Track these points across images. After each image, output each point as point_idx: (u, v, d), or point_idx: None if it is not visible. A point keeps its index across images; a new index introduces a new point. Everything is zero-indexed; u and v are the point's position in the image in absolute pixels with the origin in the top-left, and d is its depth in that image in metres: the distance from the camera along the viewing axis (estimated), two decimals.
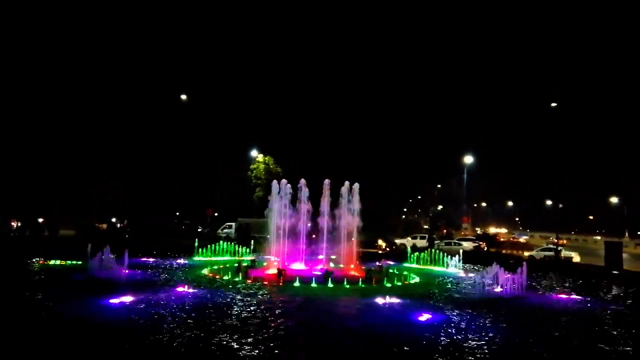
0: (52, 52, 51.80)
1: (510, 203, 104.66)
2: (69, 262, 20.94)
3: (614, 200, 79.27)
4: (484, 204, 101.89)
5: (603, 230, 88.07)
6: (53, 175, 45.92)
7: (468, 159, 63.75)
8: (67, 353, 8.39)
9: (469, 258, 29.01)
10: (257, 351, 8.60)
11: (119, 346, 8.70)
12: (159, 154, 53.09)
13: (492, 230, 76.72)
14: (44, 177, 45.35)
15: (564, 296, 16.66)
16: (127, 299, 12.76)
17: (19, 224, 40.51)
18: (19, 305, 11.95)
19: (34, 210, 42.85)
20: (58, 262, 20.95)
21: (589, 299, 16.35)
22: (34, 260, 21.09)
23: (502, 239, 57.53)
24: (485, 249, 44.85)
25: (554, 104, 43.20)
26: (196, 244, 26.92)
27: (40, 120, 47.60)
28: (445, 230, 73.11)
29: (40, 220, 42.60)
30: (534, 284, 19.45)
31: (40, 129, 47.14)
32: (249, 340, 9.23)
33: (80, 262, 20.45)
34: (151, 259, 23.71)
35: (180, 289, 14.78)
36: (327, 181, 22.64)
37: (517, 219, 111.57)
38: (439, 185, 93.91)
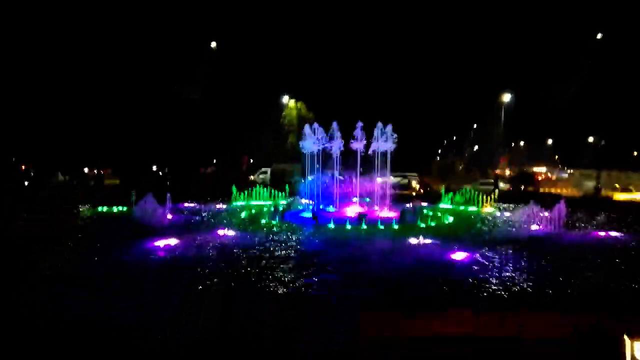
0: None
1: (550, 141, 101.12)
2: (115, 208, 22.10)
3: None
4: (522, 143, 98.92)
5: None
6: (96, 127, 47.36)
7: (506, 97, 61.42)
8: (120, 290, 9.07)
9: (505, 198, 28.74)
10: (298, 283, 9.11)
11: (165, 284, 9.33)
12: (193, 104, 53.57)
13: (535, 169, 74.78)
14: (88, 129, 46.89)
15: (602, 233, 16.45)
16: (172, 241, 13.50)
17: (67, 176, 42.53)
18: (74, 250, 12.86)
19: (80, 162, 44.70)
20: (105, 208, 22.12)
21: (626, 235, 16.08)
22: (83, 207, 22.29)
23: (540, 178, 56.23)
24: (522, 188, 44.19)
25: (599, 35, 40.52)
26: (234, 189, 27.71)
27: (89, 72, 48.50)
28: (479, 172, 71.95)
29: (86, 170, 44.55)
30: (572, 221, 19.19)
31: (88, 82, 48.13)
32: (289, 277, 9.73)
33: (125, 209, 21.58)
34: (192, 204, 24.65)
35: (220, 232, 15.45)
36: (359, 123, 22.45)
37: (556, 157, 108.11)
38: (475, 125, 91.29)
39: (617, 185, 41.73)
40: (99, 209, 22.09)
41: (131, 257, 11.60)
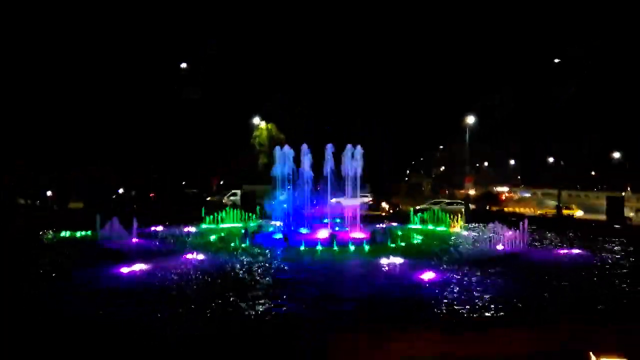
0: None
1: (512, 162, 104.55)
2: (78, 232, 21.39)
3: (616, 155, 79.15)
4: (486, 164, 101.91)
5: (604, 185, 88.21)
6: (62, 150, 46.08)
7: (470, 120, 63.39)
8: (81, 322, 8.75)
9: (472, 218, 29.38)
10: (263, 308, 8.99)
11: (130, 311, 9.06)
12: (162, 124, 52.95)
13: (498, 189, 77.01)
14: (52, 152, 45.56)
15: (564, 251, 17.03)
16: (138, 267, 13.13)
17: (28, 200, 41.00)
18: (32, 276, 12.34)
19: (43, 185, 43.19)
20: (68, 233, 21.39)
21: (589, 252, 16.69)
22: (44, 232, 21.50)
23: (504, 197, 57.94)
24: (487, 207, 45.35)
25: (557, 60, 42.64)
26: (203, 212, 27.31)
27: (46, 96, 47.30)
28: (447, 191, 73.50)
29: (49, 193, 43.07)
30: (535, 240, 19.79)
31: (46, 104, 46.94)
32: (258, 303, 9.61)
33: (89, 233, 20.92)
34: (160, 228, 24.12)
35: (189, 255, 15.14)
36: (329, 145, 22.71)
37: (518, 176, 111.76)
38: (441, 147, 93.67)
39: (559, 204, 43.72)
40: (62, 233, 21.33)
41: (93, 284, 11.19)
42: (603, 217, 34.23)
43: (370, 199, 42.41)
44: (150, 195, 50.35)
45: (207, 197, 50.73)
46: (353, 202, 23.83)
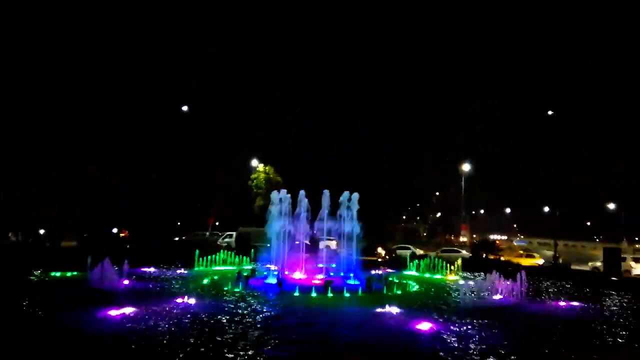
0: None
1: (508, 210, 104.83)
2: (69, 273, 20.99)
3: (612, 206, 79.56)
4: (482, 211, 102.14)
5: (600, 236, 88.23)
6: (62, 150, 45.77)
7: (465, 166, 64.04)
8: None
9: (468, 266, 29.11)
10: (260, 358, 8.71)
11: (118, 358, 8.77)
12: (158, 163, 53.16)
13: (494, 237, 76.84)
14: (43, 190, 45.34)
15: (563, 303, 16.77)
16: (127, 310, 12.80)
17: (20, 236, 40.48)
18: (19, 317, 11.99)
19: (35, 222, 42.75)
20: (59, 273, 20.99)
21: (587, 305, 16.45)
22: (35, 271, 21.09)
23: (502, 246, 57.59)
24: (484, 256, 44.94)
25: (550, 112, 43.64)
26: (197, 254, 26.96)
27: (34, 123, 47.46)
28: (443, 238, 73.21)
29: (42, 231, 42.57)
30: (533, 291, 19.54)
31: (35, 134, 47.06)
32: (249, 352, 9.32)
33: (80, 273, 20.52)
34: (152, 269, 23.75)
35: (180, 300, 14.81)
36: (326, 191, 22.82)
37: (514, 225, 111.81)
38: (437, 193, 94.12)
39: (521, 252, 43.72)
40: (52, 273, 20.93)
41: (78, 328, 10.85)
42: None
43: (335, 242, 41.14)
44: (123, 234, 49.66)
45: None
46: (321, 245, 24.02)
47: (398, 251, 43.03)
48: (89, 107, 49.97)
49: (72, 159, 46.28)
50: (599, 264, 36.36)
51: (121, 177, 49.10)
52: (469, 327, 12.02)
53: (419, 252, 44.11)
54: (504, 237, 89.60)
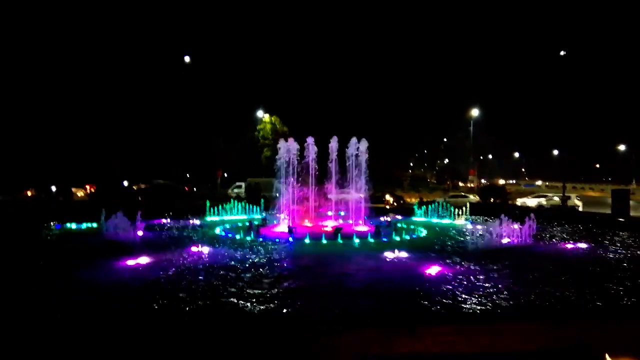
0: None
1: (516, 154, 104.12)
2: (84, 225, 21.46)
3: (622, 148, 78.65)
4: (490, 156, 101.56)
5: (610, 178, 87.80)
6: (67, 141, 46.29)
7: (474, 112, 63.09)
8: (89, 316, 8.76)
9: (476, 210, 29.30)
10: (271, 305, 8.98)
11: (136, 306, 9.06)
12: (166, 116, 52.99)
13: (501, 181, 76.84)
14: (58, 143, 45.73)
15: (570, 245, 16.94)
16: (143, 260, 13.15)
17: (34, 192, 41.18)
18: (39, 269, 12.37)
19: (48, 178, 43.35)
20: (73, 225, 21.46)
21: (594, 246, 16.59)
22: (50, 224, 21.56)
23: (509, 191, 57.74)
24: (492, 200, 45.20)
25: (562, 52, 42.25)
26: (208, 204, 27.35)
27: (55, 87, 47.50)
28: (451, 183, 73.33)
29: (54, 188, 43.20)
30: (540, 234, 19.68)
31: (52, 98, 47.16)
32: (261, 298, 9.60)
33: (94, 225, 20.98)
34: (164, 220, 24.18)
35: (194, 248, 15.15)
36: (334, 138, 22.65)
37: (522, 169, 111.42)
38: (445, 139, 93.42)
39: (565, 197, 43.87)
40: (67, 225, 21.40)
41: (99, 278, 11.19)
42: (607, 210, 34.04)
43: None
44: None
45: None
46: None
47: (453, 199, 41.77)
48: (94, 96, 49.49)
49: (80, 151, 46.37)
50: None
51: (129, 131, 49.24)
52: (477, 270, 12.22)
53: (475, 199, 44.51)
54: (512, 182, 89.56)
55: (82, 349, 6.61)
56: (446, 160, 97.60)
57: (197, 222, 24.38)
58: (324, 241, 17.41)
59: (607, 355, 5.06)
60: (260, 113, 57.84)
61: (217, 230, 20.87)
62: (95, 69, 50.96)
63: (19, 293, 9.80)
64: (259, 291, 9.94)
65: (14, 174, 41.88)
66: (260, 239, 17.92)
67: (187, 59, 50.23)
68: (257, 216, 25.66)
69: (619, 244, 17.22)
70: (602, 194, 61.12)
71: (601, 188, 63.67)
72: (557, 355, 6.34)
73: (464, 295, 9.76)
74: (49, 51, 48.72)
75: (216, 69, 55.88)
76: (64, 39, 49.62)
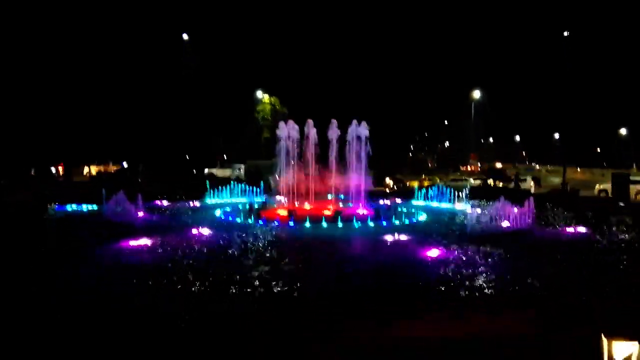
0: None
1: (517, 138, 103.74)
2: (85, 206, 21.45)
3: (623, 132, 78.36)
4: (491, 140, 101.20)
5: (610, 162, 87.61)
6: (66, 122, 46.11)
7: (475, 94, 62.64)
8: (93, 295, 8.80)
9: (476, 194, 29.24)
10: (271, 285, 9.02)
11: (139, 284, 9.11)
12: (165, 99, 52.64)
13: (500, 165, 76.81)
14: (56, 125, 45.58)
15: (570, 229, 16.95)
16: (144, 241, 13.17)
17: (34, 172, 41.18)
18: (42, 250, 12.40)
19: (48, 159, 43.35)
20: (74, 206, 21.45)
21: (594, 230, 16.58)
22: (51, 204, 21.54)
23: (511, 175, 57.69)
24: (492, 184, 45.24)
25: (566, 33, 41.74)
26: (208, 186, 27.31)
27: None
28: (452, 167, 73.23)
29: (53, 169, 43.19)
30: (540, 217, 19.63)
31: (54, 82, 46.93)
32: (263, 277, 9.65)
33: (95, 207, 20.98)
34: (165, 202, 24.17)
35: (194, 231, 15.15)
36: (334, 120, 22.50)
37: (523, 153, 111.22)
38: (445, 122, 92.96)
39: (564, 181, 44.43)
40: (67, 207, 21.40)
41: (100, 258, 11.24)
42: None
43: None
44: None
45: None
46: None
47: (454, 183, 41.76)
48: (91, 83, 49.05)
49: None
50: (604, 186, 37.99)
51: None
52: (476, 253, 12.25)
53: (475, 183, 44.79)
54: (510, 166, 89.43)
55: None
56: (447, 144, 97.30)
57: (197, 204, 24.38)
58: (324, 224, 17.43)
59: (603, 335, 5.08)
60: (259, 93, 57.41)
61: (217, 213, 20.87)
62: (96, 52, 50.48)
63: (23, 277, 9.86)
64: (258, 273, 9.97)
65: (15, 156, 41.83)
66: (260, 222, 17.93)
67: (185, 36, 49.74)
68: (257, 199, 25.65)
69: (616, 229, 17.22)
70: (587, 177, 61.60)
71: (602, 173, 63.56)
72: (554, 338, 6.38)
73: (461, 279, 9.79)
74: (49, 46, 48.20)
75: (215, 49, 55.16)
76: (62, 35, 49.00)
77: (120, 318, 7.45)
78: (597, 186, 39.30)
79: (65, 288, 8.94)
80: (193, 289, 9.03)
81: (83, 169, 49.75)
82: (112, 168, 50.74)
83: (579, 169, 67.46)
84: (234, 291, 8.98)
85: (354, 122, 22.59)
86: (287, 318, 7.60)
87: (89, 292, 8.65)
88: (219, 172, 45.19)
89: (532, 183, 45.92)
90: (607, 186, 38.19)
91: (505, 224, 17.52)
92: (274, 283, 9.28)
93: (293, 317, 7.62)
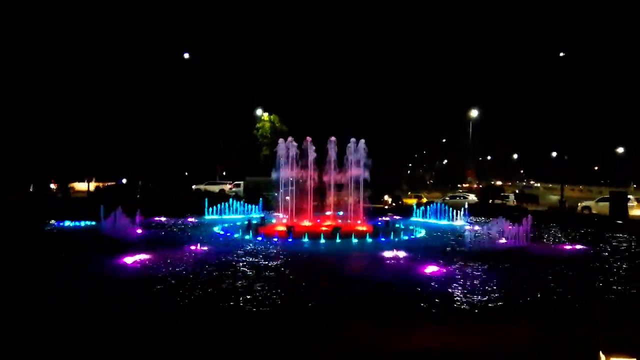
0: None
1: (515, 155, 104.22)
2: (82, 222, 21.45)
3: (620, 150, 78.82)
4: (488, 157, 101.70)
5: (608, 180, 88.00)
6: (66, 138, 46.31)
7: (473, 113, 63.15)
8: (89, 312, 8.78)
9: (474, 211, 29.36)
10: (269, 302, 9.01)
11: (135, 302, 9.09)
12: (164, 114, 52.96)
13: (499, 182, 77.02)
14: (56, 141, 45.75)
15: (567, 246, 16.99)
16: (141, 257, 13.16)
17: (32, 189, 41.13)
18: (40, 266, 12.38)
19: (46, 176, 43.34)
20: (71, 223, 21.45)
21: (592, 248, 16.63)
22: (48, 221, 21.55)
23: (508, 192, 57.86)
24: (490, 201, 45.30)
25: (562, 54, 42.35)
26: (206, 203, 27.36)
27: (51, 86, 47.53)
28: (449, 185, 73.48)
29: (53, 186, 43.19)
30: (538, 235, 19.72)
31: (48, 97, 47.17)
32: (259, 294, 9.64)
33: (93, 223, 20.98)
34: (163, 218, 24.19)
35: (192, 247, 15.16)
36: (332, 138, 22.71)
37: (521, 171, 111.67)
38: (443, 140, 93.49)
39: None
40: (65, 223, 21.40)
41: (94, 275, 11.21)
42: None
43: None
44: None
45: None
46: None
47: (452, 200, 42.65)
48: (89, 95, 49.53)
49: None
50: (587, 203, 39.29)
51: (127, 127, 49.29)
52: (474, 270, 12.26)
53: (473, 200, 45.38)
54: (509, 183, 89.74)
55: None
56: (445, 161, 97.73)
57: (195, 220, 24.40)
58: (323, 241, 17.45)
59: (600, 353, 5.10)
60: (259, 111, 57.89)
61: (216, 229, 20.89)
62: (94, 65, 50.91)
63: (20, 290, 9.83)
64: (257, 289, 9.97)
65: (14, 171, 41.85)
66: (259, 238, 17.95)
67: (186, 55, 50.30)
68: (256, 215, 25.69)
69: (614, 246, 17.27)
70: (581, 194, 62.36)
71: (599, 190, 63.85)
72: (551, 352, 6.39)
73: (460, 294, 9.80)
74: (49, 48, 48.63)
75: (216, 66, 55.75)
76: (63, 35, 49.51)
77: (118, 320, 7.42)
78: (580, 204, 39.71)
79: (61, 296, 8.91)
80: (192, 295, 9.05)
81: (75, 186, 49.42)
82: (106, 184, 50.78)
83: (581, 187, 67.81)
84: (233, 296, 9.04)
85: (353, 139, 22.83)
86: (287, 319, 7.63)
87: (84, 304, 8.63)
88: (208, 187, 44.89)
89: (513, 199, 48.85)
90: (591, 203, 38.80)
91: (502, 240, 17.57)
92: (271, 299, 9.28)
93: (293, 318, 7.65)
